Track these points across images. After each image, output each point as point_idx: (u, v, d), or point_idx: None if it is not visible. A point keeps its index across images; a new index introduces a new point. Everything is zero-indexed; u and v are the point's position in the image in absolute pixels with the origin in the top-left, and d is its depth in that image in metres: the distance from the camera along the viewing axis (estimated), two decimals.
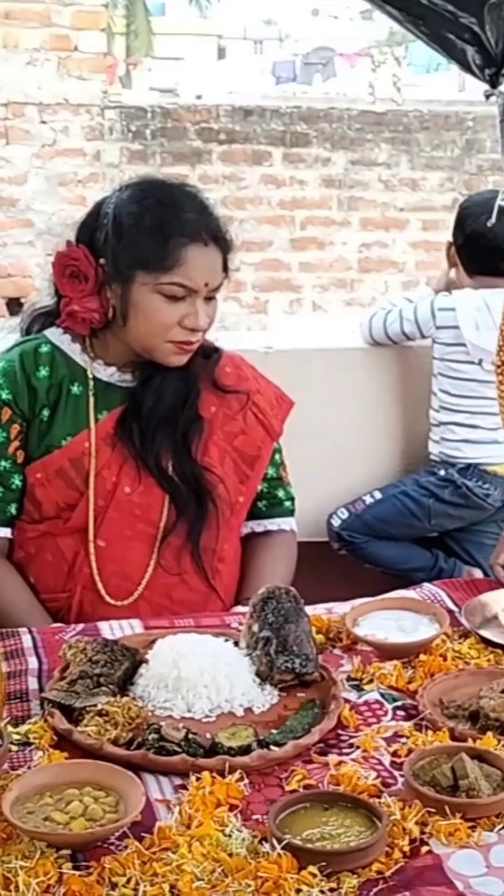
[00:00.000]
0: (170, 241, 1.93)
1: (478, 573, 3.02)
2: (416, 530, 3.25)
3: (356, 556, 3.25)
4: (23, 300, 6.69)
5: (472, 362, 3.16)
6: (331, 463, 3.25)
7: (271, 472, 2.18)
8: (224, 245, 2.00)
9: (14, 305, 6.73)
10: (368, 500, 3.24)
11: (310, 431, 2.99)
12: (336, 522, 3.24)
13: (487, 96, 3.99)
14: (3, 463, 2.02)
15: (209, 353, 2.12)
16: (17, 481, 2.03)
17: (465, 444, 3.19)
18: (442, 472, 3.21)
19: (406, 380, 3.30)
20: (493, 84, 3.93)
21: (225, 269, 2.01)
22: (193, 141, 7.05)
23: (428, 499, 3.20)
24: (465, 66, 3.94)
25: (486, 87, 3.95)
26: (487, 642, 1.73)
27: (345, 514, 3.24)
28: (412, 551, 3.26)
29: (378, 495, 3.24)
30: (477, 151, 7.22)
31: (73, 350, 2.07)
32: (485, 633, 1.74)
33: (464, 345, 3.15)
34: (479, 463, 3.17)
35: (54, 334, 2.08)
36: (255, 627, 1.62)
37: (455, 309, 3.18)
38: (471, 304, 3.19)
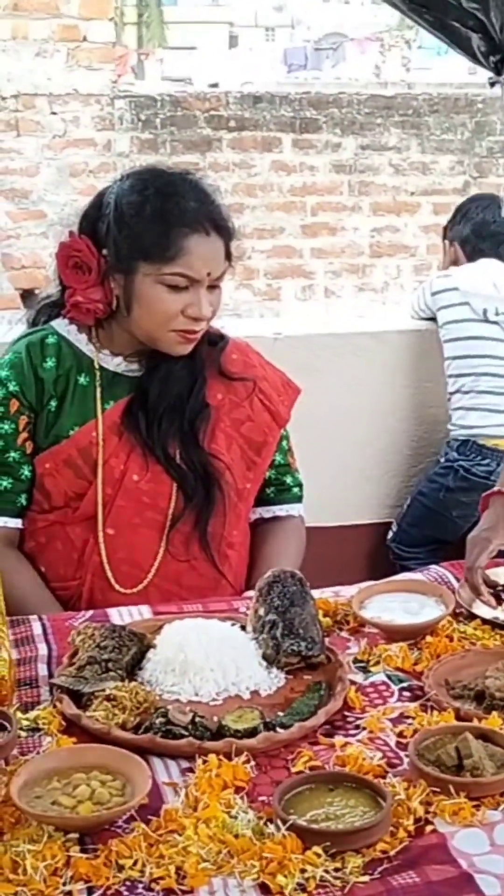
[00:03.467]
0: (171, 231, 1.93)
1: None
2: (451, 527, 3.16)
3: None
4: (37, 291, 6.72)
5: (477, 319, 3.19)
6: (340, 448, 3.26)
7: (279, 458, 2.19)
8: (226, 233, 2.00)
9: (28, 297, 6.76)
10: (405, 506, 3.25)
11: (319, 417, 3.00)
12: (389, 536, 3.25)
13: (492, 84, 3.99)
14: (13, 454, 2.04)
15: (215, 341, 2.13)
16: (26, 472, 2.04)
17: (468, 413, 3.19)
18: (442, 460, 3.21)
19: (415, 364, 3.30)
20: (499, 71, 3.92)
21: (228, 257, 2.01)
22: (203, 129, 7.05)
23: (439, 492, 3.20)
24: (470, 54, 3.93)
25: (490, 74, 3.95)
26: (475, 618, 1.74)
27: (395, 527, 3.25)
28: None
29: (408, 501, 3.26)
30: (487, 134, 7.20)
31: (80, 340, 2.08)
32: (476, 610, 1.75)
33: (466, 303, 3.19)
34: (480, 435, 3.16)
35: (60, 325, 2.09)
36: (262, 611, 1.63)
37: (451, 275, 3.27)
38: (468, 270, 3.28)
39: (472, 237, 3.37)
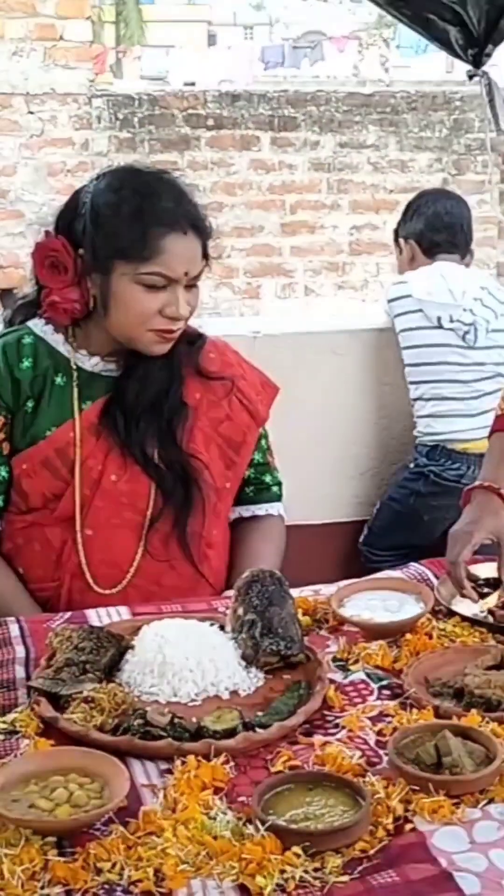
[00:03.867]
0: (148, 231, 1.93)
1: None
2: (423, 531, 3.13)
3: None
4: (15, 291, 6.69)
5: (432, 326, 3.18)
6: (318, 447, 3.25)
7: (258, 457, 2.18)
8: (203, 232, 1.99)
9: (6, 296, 6.73)
10: (375, 510, 3.23)
11: (298, 415, 3.00)
12: (360, 539, 3.24)
13: (471, 77, 4.00)
14: None
15: (193, 340, 2.12)
16: (3, 473, 2.03)
17: (433, 420, 3.18)
18: (412, 465, 3.20)
19: (395, 363, 3.30)
20: (477, 64, 3.93)
21: (205, 256, 2.00)
22: (181, 127, 7.04)
23: (409, 497, 3.18)
24: (448, 47, 3.95)
25: (469, 68, 3.96)
26: (455, 616, 1.74)
27: (366, 531, 3.24)
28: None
29: (378, 504, 3.24)
30: (465, 131, 7.21)
31: (56, 341, 2.07)
32: (455, 607, 1.75)
33: (420, 310, 3.18)
34: (448, 440, 3.16)
35: (37, 325, 2.08)
36: (240, 611, 1.63)
37: (407, 281, 3.25)
38: (423, 274, 3.26)
39: (426, 231, 3.35)
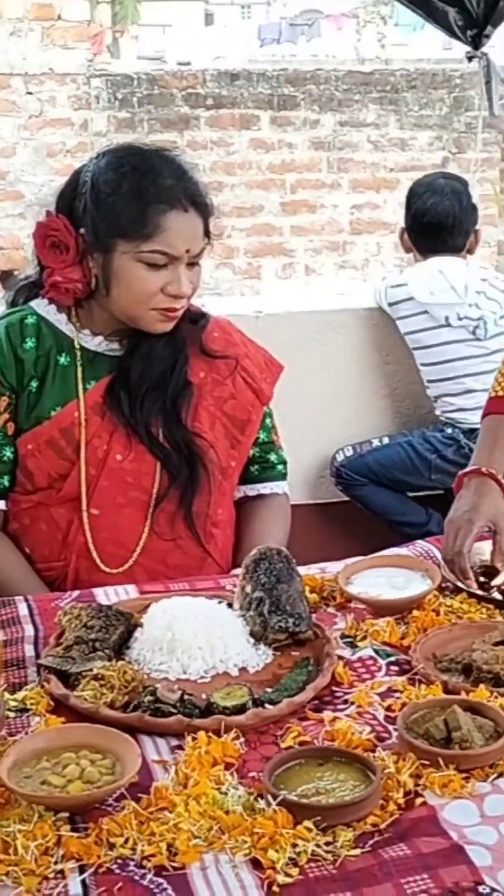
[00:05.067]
0: (148, 209, 1.92)
1: None
2: (416, 482, 3.26)
3: (351, 497, 3.26)
4: (15, 272, 6.68)
5: (440, 325, 3.16)
6: (323, 425, 3.26)
7: (262, 436, 2.18)
8: (204, 210, 1.98)
9: (6, 277, 6.72)
10: (375, 443, 3.26)
11: (302, 394, 3.00)
12: (339, 458, 3.26)
13: (470, 58, 3.98)
14: None
15: (196, 319, 2.12)
16: (8, 453, 2.03)
17: (466, 412, 3.19)
18: (449, 431, 3.22)
19: (397, 340, 3.30)
20: (476, 45, 3.92)
21: (207, 234, 1.99)
22: (181, 107, 7.01)
23: (431, 454, 3.21)
24: (447, 28, 3.93)
25: (468, 48, 3.94)
26: (462, 592, 1.74)
27: (349, 452, 3.25)
28: (407, 505, 3.27)
29: (385, 440, 3.26)
30: (465, 109, 7.18)
31: (59, 320, 2.06)
32: (461, 583, 1.75)
33: (424, 311, 3.17)
34: None
35: (39, 305, 2.08)
36: (248, 588, 1.63)
37: (407, 283, 3.21)
38: (421, 273, 3.23)
39: (412, 229, 3.34)
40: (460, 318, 3.14)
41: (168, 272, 1.94)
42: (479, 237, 3.35)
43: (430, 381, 3.23)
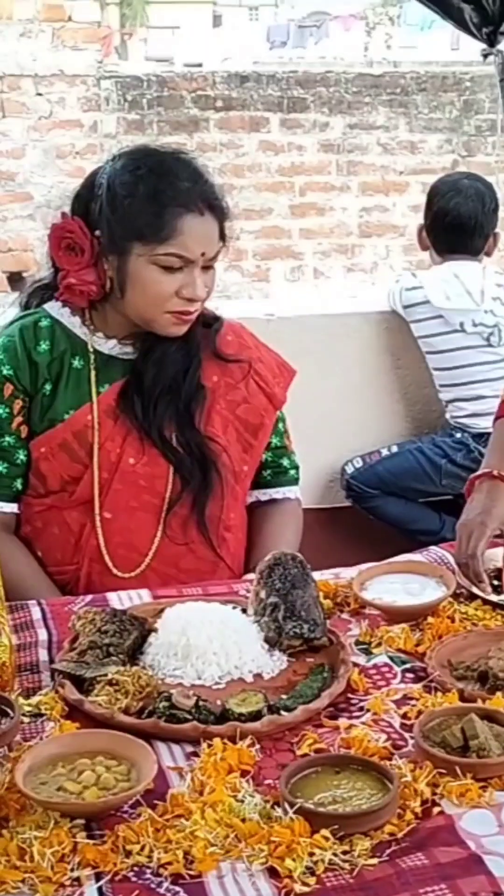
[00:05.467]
0: (165, 212, 1.91)
1: None
2: (427, 488, 3.25)
3: (363, 509, 3.25)
4: (24, 274, 6.68)
5: (454, 330, 3.15)
6: (335, 430, 3.25)
7: (275, 440, 2.17)
8: (220, 213, 1.98)
9: (15, 279, 6.72)
10: (384, 452, 3.25)
11: (313, 398, 2.99)
12: (349, 470, 3.25)
13: (485, 56, 3.97)
14: (7, 438, 2.02)
15: (210, 322, 2.11)
16: (21, 456, 2.03)
17: (477, 418, 3.18)
18: (458, 435, 3.21)
19: (409, 344, 3.29)
20: (492, 43, 3.91)
21: (222, 237, 1.99)
22: (190, 109, 7.01)
23: (441, 459, 3.20)
24: (463, 25, 3.93)
25: (482, 46, 3.94)
26: (476, 599, 1.73)
27: (359, 464, 3.24)
28: (420, 512, 3.26)
29: (394, 449, 3.25)
30: (475, 112, 7.17)
31: (73, 323, 2.06)
32: (476, 589, 1.74)
33: (440, 316, 3.15)
34: None
35: (53, 308, 2.07)
36: (263, 594, 1.63)
37: (422, 286, 3.19)
38: (437, 277, 3.21)
39: (432, 229, 3.30)
40: (475, 325, 3.13)
41: (183, 275, 1.94)
42: (498, 240, 3.33)
43: (441, 386, 3.22)
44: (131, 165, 1.98)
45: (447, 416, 3.26)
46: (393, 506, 3.23)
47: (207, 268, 1.98)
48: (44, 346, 2.04)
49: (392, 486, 3.21)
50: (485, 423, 3.16)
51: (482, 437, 3.16)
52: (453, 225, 3.21)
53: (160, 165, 1.98)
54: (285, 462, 2.20)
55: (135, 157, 2.00)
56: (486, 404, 3.11)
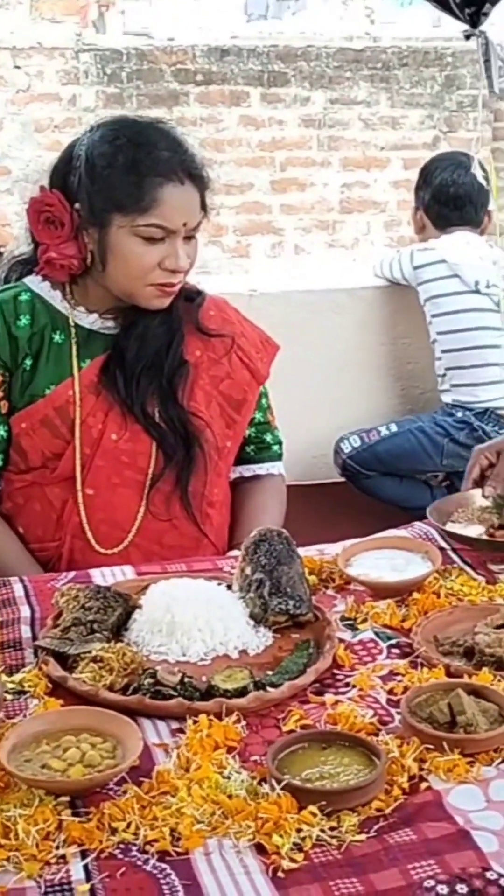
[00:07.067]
0: (144, 182, 1.89)
1: None
2: (426, 468, 3.23)
3: (357, 489, 3.23)
4: (2, 249, 6.61)
5: (468, 290, 3.14)
6: (319, 405, 3.24)
7: (258, 416, 2.16)
8: (201, 183, 1.95)
9: None
10: (384, 431, 3.20)
11: (297, 374, 2.98)
12: (346, 449, 3.19)
13: (467, 36, 3.93)
14: None
15: (192, 297, 2.09)
16: (1, 432, 2.01)
17: (476, 388, 3.17)
18: (459, 414, 3.20)
19: (392, 320, 3.28)
20: (474, 24, 3.86)
21: (203, 207, 1.97)
22: (170, 83, 6.94)
23: (443, 438, 3.19)
24: (445, 7, 3.87)
25: (464, 26, 3.89)
26: (450, 535, 1.79)
27: (357, 443, 3.19)
28: (417, 490, 3.25)
29: (394, 428, 3.21)
30: (457, 88, 7.12)
31: (54, 297, 2.03)
32: (450, 527, 1.78)
33: (455, 275, 3.14)
34: (497, 407, 3.16)
35: (33, 282, 2.05)
36: (248, 570, 1.62)
37: (435, 248, 3.19)
38: (449, 242, 3.20)
39: (433, 203, 3.29)
40: (489, 286, 3.12)
41: (165, 246, 1.92)
42: (491, 218, 3.33)
43: (443, 352, 3.20)
44: (110, 136, 1.95)
45: (442, 387, 3.23)
46: (389, 485, 3.22)
47: (189, 238, 1.96)
48: (24, 320, 2.01)
49: (391, 466, 3.18)
50: (486, 395, 3.15)
51: (485, 415, 3.16)
52: (458, 195, 3.22)
53: (139, 135, 1.95)
54: (268, 438, 2.19)
55: (113, 128, 1.97)
56: (488, 373, 3.12)
